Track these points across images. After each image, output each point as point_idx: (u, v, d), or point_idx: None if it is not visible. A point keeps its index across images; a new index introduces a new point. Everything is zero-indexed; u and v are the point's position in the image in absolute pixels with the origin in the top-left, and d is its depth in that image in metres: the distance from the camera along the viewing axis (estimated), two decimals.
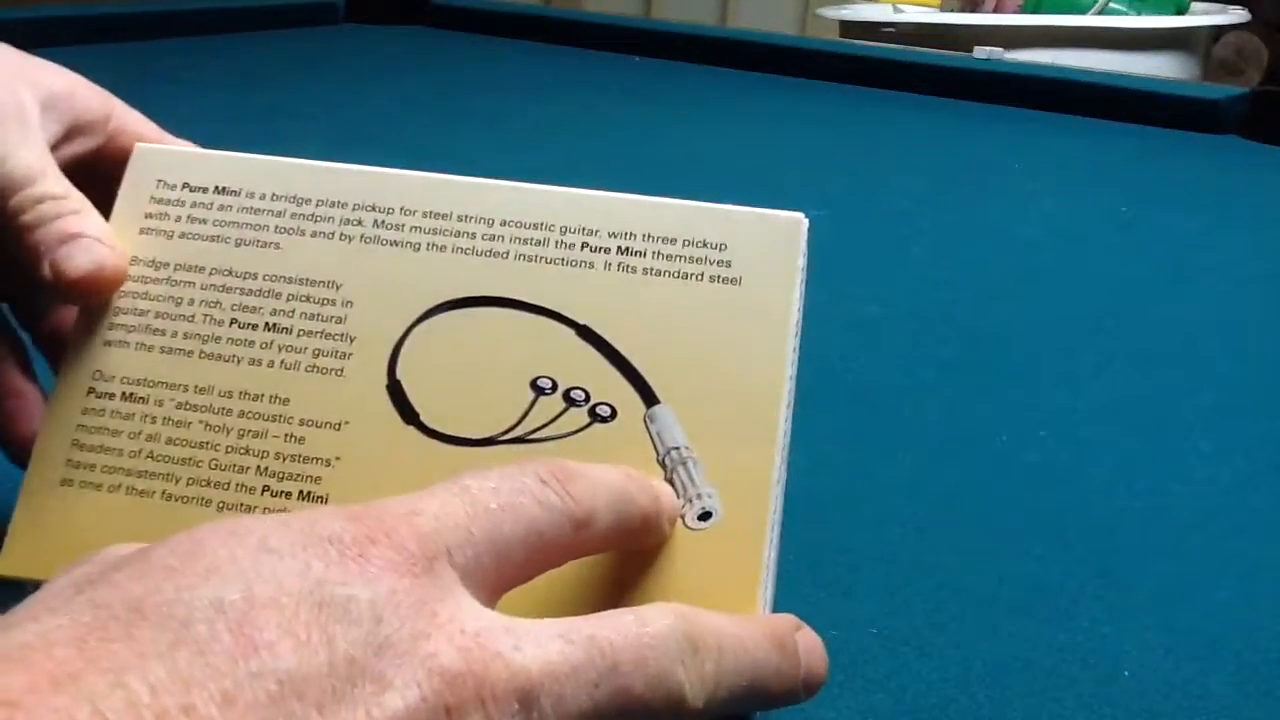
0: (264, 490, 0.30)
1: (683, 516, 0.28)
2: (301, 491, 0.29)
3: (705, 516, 0.28)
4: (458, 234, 0.31)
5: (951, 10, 2.56)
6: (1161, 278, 0.81)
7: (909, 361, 0.62)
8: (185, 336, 0.31)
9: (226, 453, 0.30)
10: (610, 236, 0.31)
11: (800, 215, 0.31)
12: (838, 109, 1.35)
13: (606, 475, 0.26)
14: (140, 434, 0.30)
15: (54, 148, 0.33)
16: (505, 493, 0.23)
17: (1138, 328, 0.70)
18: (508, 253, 0.31)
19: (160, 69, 1.29)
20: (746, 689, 0.24)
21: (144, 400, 0.31)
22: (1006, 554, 0.43)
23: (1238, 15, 2.41)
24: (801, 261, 0.31)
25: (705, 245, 0.31)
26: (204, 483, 0.30)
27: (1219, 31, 2.52)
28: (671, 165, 1.00)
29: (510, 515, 0.23)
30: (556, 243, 0.31)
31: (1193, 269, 0.83)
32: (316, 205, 0.32)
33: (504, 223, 0.31)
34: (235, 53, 1.42)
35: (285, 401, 0.30)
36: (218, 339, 0.31)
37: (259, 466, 0.30)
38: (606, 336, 0.30)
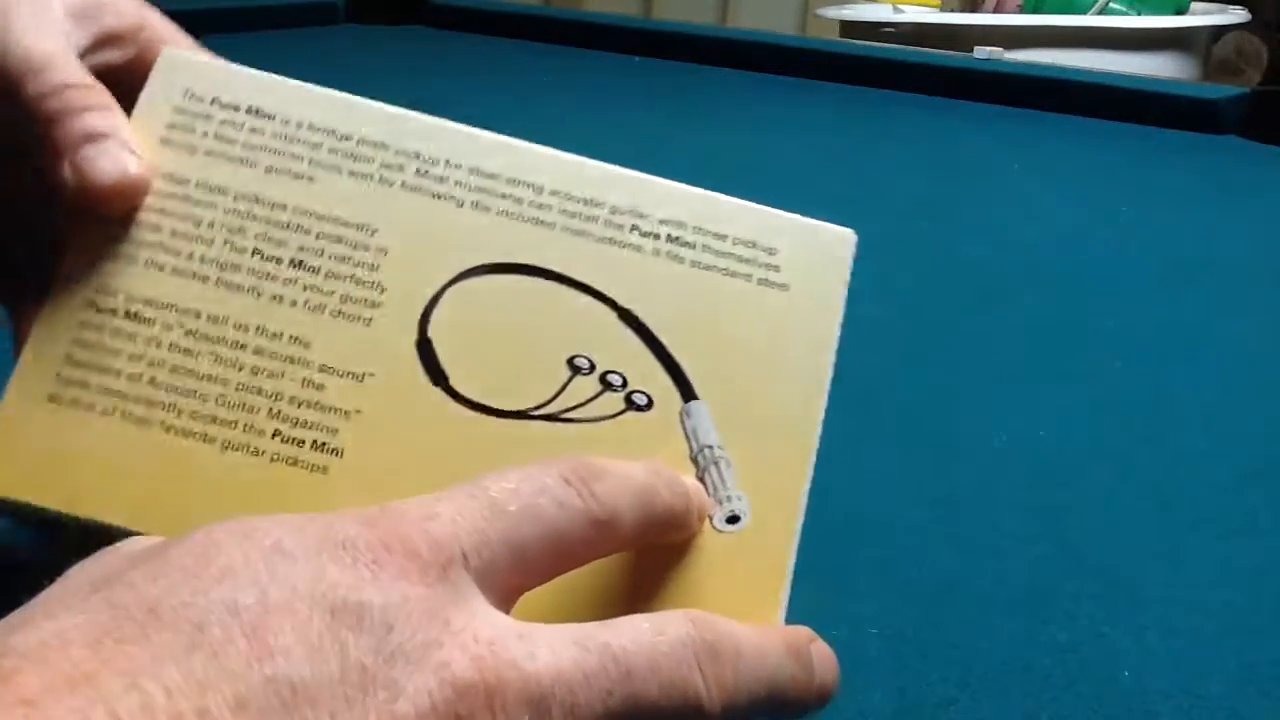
0: (274, 435, 0.28)
1: (710, 517, 0.28)
2: (316, 441, 0.28)
3: (734, 520, 0.28)
4: (504, 196, 0.30)
5: (951, 10, 2.56)
6: (1161, 278, 0.81)
7: (909, 361, 0.62)
8: (202, 260, 0.29)
9: (237, 390, 0.28)
10: (660, 223, 0.30)
11: (850, 231, 0.31)
12: (838, 109, 1.35)
13: (633, 472, 0.25)
14: (142, 357, 0.28)
15: (81, 56, 0.31)
16: (525, 495, 0.23)
17: (1137, 328, 0.70)
18: (554, 223, 0.30)
19: None
20: (764, 696, 0.24)
21: (149, 321, 0.28)
22: (1006, 554, 0.43)
23: (1238, 15, 2.41)
24: (848, 277, 0.31)
25: (755, 247, 0.30)
26: (209, 418, 0.28)
27: (1219, 31, 2.52)
28: (671, 165, 1.00)
29: (529, 518, 0.23)
30: (605, 221, 0.30)
31: (1192, 269, 0.83)
32: (358, 144, 0.30)
33: (553, 192, 0.30)
34: (235, 53, 1.42)
35: (306, 344, 0.28)
36: (237, 267, 0.29)
37: (271, 409, 0.28)
38: (648, 323, 0.29)
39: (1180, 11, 2.38)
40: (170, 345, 0.28)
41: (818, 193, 0.95)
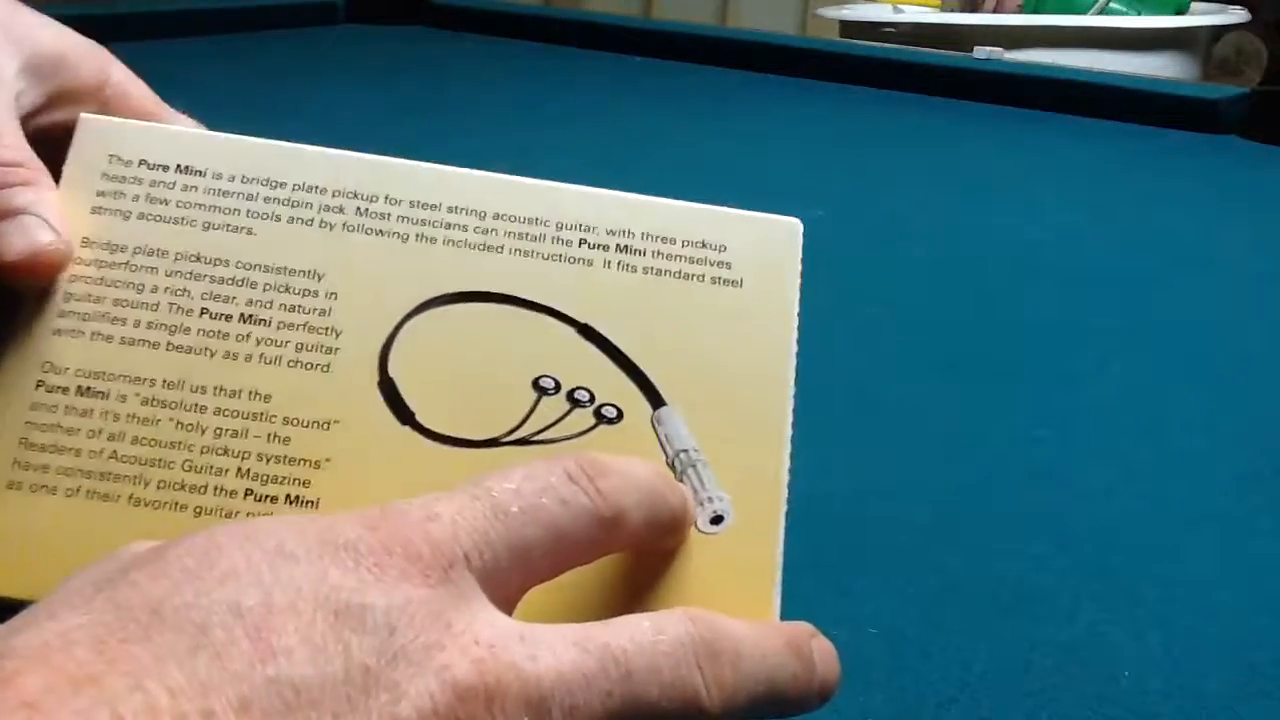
0: (247, 494, 0.27)
1: (694, 521, 0.28)
2: (289, 495, 0.28)
3: (717, 520, 0.28)
4: (448, 226, 0.30)
5: (951, 10, 2.56)
6: (1161, 278, 0.81)
7: (909, 361, 0.62)
8: (149, 326, 0.28)
9: (202, 453, 0.28)
10: (609, 234, 0.30)
11: (796, 220, 0.31)
12: (838, 109, 1.35)
13: (638, 470, 0.25)
14: (101, 432, 0.28)
15: (33, 114, 0.30)
16: (527, 494, 0.23)
17: (1137, 328, 0.70)
18: (502, 247, 0.30)
19: (160, 69, 1.28)
20: (765, 695, 0.23)
21: (103, 395, 0.28)
22: (1006, 554, 0.43)
23: (1238, 15, 2.41)
24: (798, 265, 0.31)
25: (705, 246, 0.30)
26: (177, 485, 0.27)
27: (1219, 31, 2.52)
28: (671, 165, 1.00)
29: (531, 517, 0.23)
30: (553, 238, 0.30)
31: (1192, 269, 0.83)
32: (292, 190, 0.30)
33: (497, 216, 0.30)
34: (235, 52, 1.42)
35: (267, 398, 0.28)
36: (186, 330, 0.28)
37: (240, 468, 0.28)
38: (608, 335, 0.29)
39: (1180, 11, 2.38)
40: (128, 416, 0.28)
41: (817, 193, 0.95)
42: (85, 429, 0.28)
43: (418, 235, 0.30)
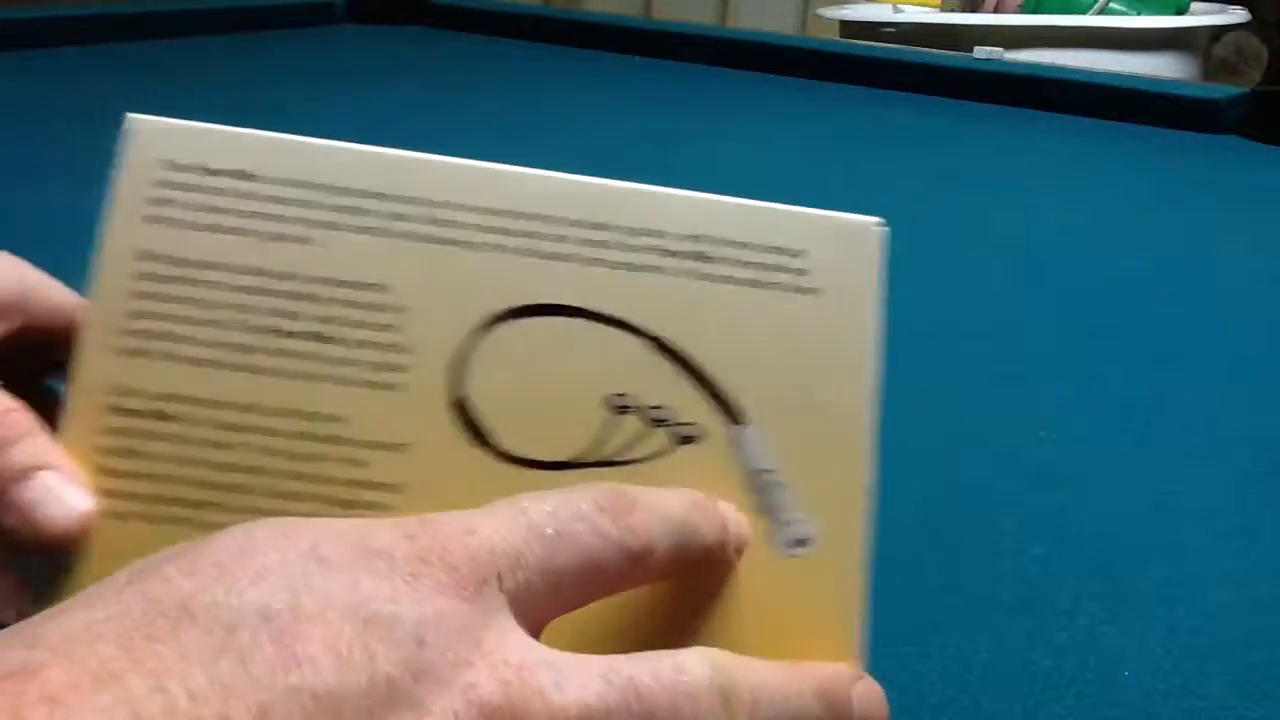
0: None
1: (777, 543, 0.27)
2: None
3: (800, 543, 0.27)
4: (516, 233, 0.28)
5: (951, 10, 2.56)
6: (1161, 278, 0.81)
7: (908, 361, 0.62)
8: (218, 346, 0.27)
9: (281, 479, 0.27)
10: (681, 240, 0.29)
11: (876, 220, 0.30)
12: (838, 109, 1.35)
13: (669, 504, 0.25)
14: (177, 457, 0.27)
15: None
16: (563, 519, 0.23)
17: (1137, 328, 0.70)
18: (572, 255, 0.28)
19: (160, 69, 1.29)
20: None
21: (177, 419, 0.27)
22: (1006, 554, 0.43)
23: (1238, 15, 2.41)
24: (879, 270, 0.29)
25: (781, 252, 0.29)
26: (257, 513, 0.26)
27: (1219, 31, 2.52)
28: (671, 165, 1.00)
29: (565, 543, 0.23)
30: (625, 246, 0.29)
31: (1193, 269, 0.83)
32: (354, 196, 0.28)
33: (566, 221, 0.29)
34: (235, 53, 1.42)
35: (341, 421, 0.27)
36: (256, 349, 0.27)
37: (318, 493, 0.27)
38: (684, 348, 0.28)
39: (1180, 11, 2.38)
40: (204, 441, 0.27)
41: (817, 193, 0.95)
42: (161, 455, 0.27)
43: (484, 243, 0.28)
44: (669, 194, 0.29)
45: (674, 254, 0.29)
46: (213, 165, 0.28)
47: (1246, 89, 1.32)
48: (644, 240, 0.29)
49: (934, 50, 1.57)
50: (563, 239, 0.28)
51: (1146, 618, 0.39)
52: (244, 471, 0.27)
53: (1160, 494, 0.48)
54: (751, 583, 0.27)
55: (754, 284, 0.29)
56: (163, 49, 1.39)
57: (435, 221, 0.28)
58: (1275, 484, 0.50)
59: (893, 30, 2.28)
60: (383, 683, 0.19)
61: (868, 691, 0.25)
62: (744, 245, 0.29)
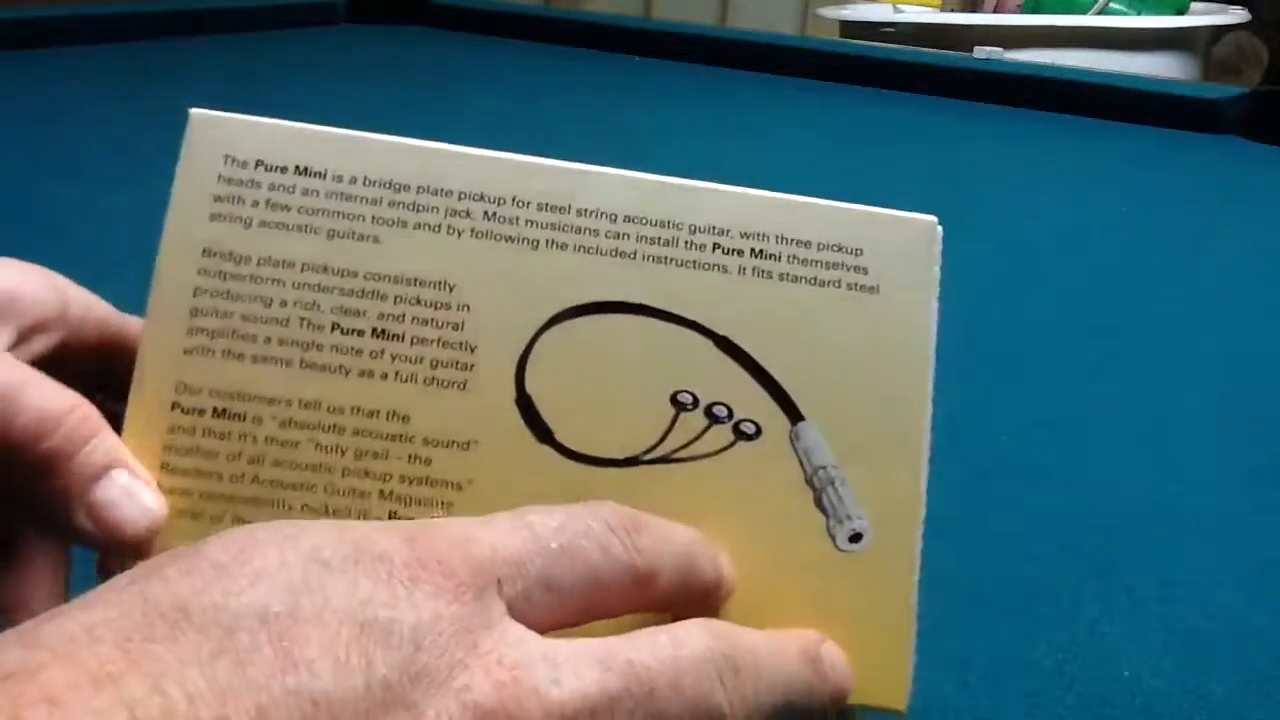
0: (390, 516, 0.27)
1: (833, 538, 0.27)
2: (434, 519, 0.26)
3: (856, 538, 0.28)
4: (578, 230, 0.29)
5: (951, 10, 2.56)
6: (1161, 277, 0.81)
7: None
8: (280, 343, 0.27)
9: (344, 475, 0.27)
10: (742, 238, 0.29)
11: (933, 218, 0.30)
12: (838, 109, 1.35)
13: (676, 534, 0.25)
14: (241, 455, 0.27)
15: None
16: (569, 534, 0.23)
17: (1138, 327, 0.70)
18: (635, 253, 0.29)
19: (160, 69, 1.29)
20: (782, 707, 0.23)
21: (240, 417, 0.27)
22: (1006, 554, 0.43)
23: (1238, 15, 2.42)
24: (937, 269, 0.30)
25: (840, 250, 0.29)
26: (320, 510, 0.27)
27: (1219, 31, 2.53)
28: (671, 165, 1.00)
29: (569, 557, 0.23)
30: (686, 243, 0.29)
31: (1193, 268, 0.83)
32: (417, 192, 0.28)
33: (628, 219, 0.29)
34: (235, 53, 1.42)
35: (405, 419, 0.27)
36: (319, 346, 0.27)
37: (382, 490, 0.27)
38: (744, 347, 0.28)
39: (1180, 11, 2.38)
40: (267, 439, 0.27)
41: (817, 193, 0.95)
42: (224, 452, 0.27)
43: (548, 241, 0.29)
44: (731, 190, 0.30)
45: (736, 252, 0.29)
46: (275, 161, 0.28)
47: (1246, 89, 1.32)
48: (707, 239, 0.29)
49: (934, 50, 1.57)
50: (625, 236, 0.29)
51: (1146, 618, 0.39)
52: (307, 469, 0.27)
53: (1160, 494, 0.48)
54: (808, 577, 0.27)
55: (814, 282, 0.29)
56: (163, 49, 1.39)
57: (498, 219, 0.29)
58: (1276, 483, 0.50)
59: (893, 30, 2.28)
60: (379, 687, 0.19)
61: (834, 654, 0.26)
62: (805, 244, 0.29)
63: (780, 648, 0.24)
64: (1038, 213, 0.96)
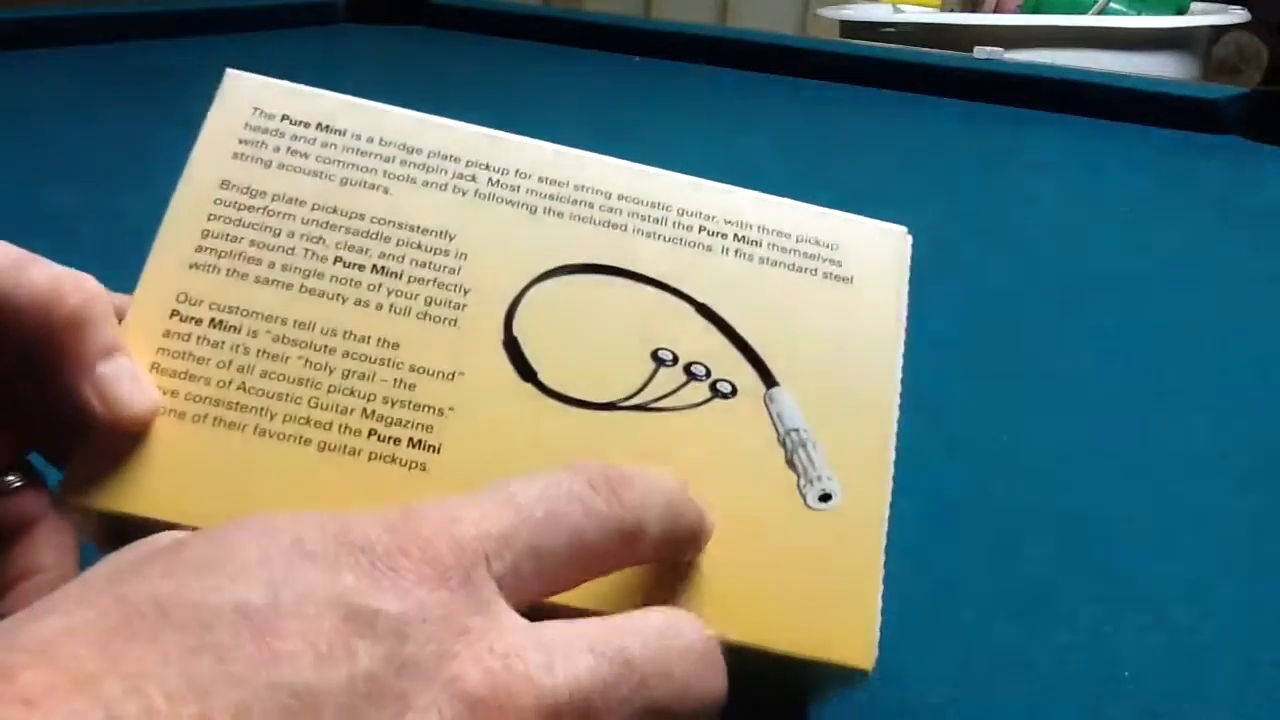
0: (370, 433, 0.28)
1: (804, 496, 0.29)
2: (412, 439, 0.28)
3: (826, 498, 0.29)
4: (575, 202, 0.31)
5: (951, 10, 2.56)
6: (1161, 278, 0.81)
7: (908, 361, 0.62)
8: (284, 269, 0.29)
9: (329, 392, 0.28)
10: (726, 224, 0.32)
11: (903, 228, 0.33)
12: (838, 109, 1.35)
13: (662, 483, 0.25)
14: (230, 364, 0.28)
15: None
16: (551, 500, 0.23)
17: (1138, 327, 0.70)
18: (626, 226, 0.31)
19: (160, 69, 1.29)
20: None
21: (235, 329, 0.28)
22: (1006, 554, 0.43)
23: (1238, 15, 2.41)
24: (906, 271, 0.33)
25: (818, 244, 0.32)
26: (303, 420, 0.28)
27: (1219, 31, 2.52)
28: (671, 166, 1.00)
29: (553, 524, 0.23)
30: (674, 223, 0.31)
31: (1193, 269, 0.83)
32: (428, 156, 0.31)
33: (621, 197, 0.31)
34: (235, 53, 1.42)
35: (395, 346, 0.29)
36: (320, 275, 0.29)
37: (365, 409, 0.28)
38: (726, 317, 0.30)
39: (1180, 11, 2.38)
40: (258, 351, 0.28)
41: (817, 193, 0.95)
42: (215, 359, 0.28)
43: (546, 209, 0.31)
44: (714, 185, 0.32)
45: (720, 235, 0.31)
46: (300, 117, 0.31)
47: (1246, 89, 1.32)
48: (693, 221, 0.32)
49: (934, 50, 1.57)
50: (617, 211, 0.31)
51: (1146, 618, 0.39)
52: (294, 382, 0.28)
53: (1160, 494, 0.48)
54: (777, 532, 0.28)
55: (793, 268, 0.31)
56: (163, 49, 1.39)
57: (501, 185, 0.31)
58: (1276, 484, 0.50)
59: (893, 30, 2.28)
60: (363, 679, 0.19)
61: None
62: (785, 235, 0.32)
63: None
64: (1037, 212, 0.96)
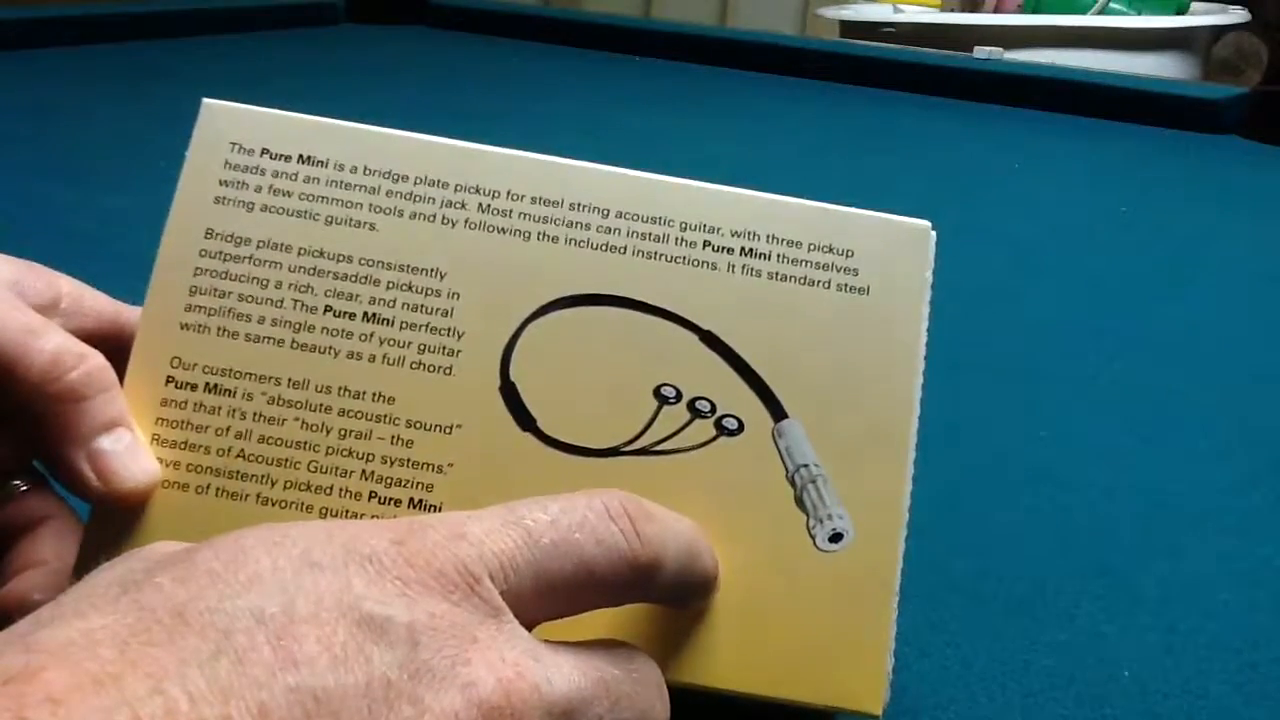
0: (370, 496, 0.27)
1: (813, 537, 0.28)
2: (413, 499, 0.27)
3: (837, 538, 0.28)
4: (570, 224, 0.29)
5: (951, 10, 2.56)
6: (1161, 277, 0.81)
7: None
8: (274, 324, 0.28)
9: (327, 454, 0.28)
10: (733, 236, 0.29)
11: (926, 223, 0.31)
12: (838, 109, 1.35)
13: (681, 525, 0.25)
14: (228, 430, 0.28)
15: None
16: (562, 527, 0.23)
17: (1138, 327, 0.70)
18: (625, 248, 0.29)
19: (160, 69, 1.29)
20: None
21: (230, 393, 0.28)
22: (1006, 554, 0.43)
23: (1238, 15, 2.41)
24: (929, 273, 0.30)
25: (831, 251, 0.30)
26: (303, 486, 0.27)
27: (1219, 31, 2.52)
28: (671, 166, 1.00)
29: (561, 552, 0.23)
30: (677, 240, 0.29)
31: (1193, 269, 0.83)
32: (415, 183, 0.29)
33: (620, 214, 0.29)
34: (235, 53, 1.42)
35: (390, 400, 0.28)
36: (311, 328, 0.28)
37: (364, 470, 0.27)
38: (731, 343, 0.29)
39: (1180, 11, 2.38)
40: (255, 415, 0.28)
41: (817, 194, 0.95)
42: (213, 427, 0.28)
43: (539, 234, 0.29)
44: (723, 190, 0.30)
45: (726, 250, 0.29)
46: (280, 150, 0.30)
47: (1246, 89, 1.32)
48: (698, 236, 0.29)
49: (934, 50, 1.57)
50: (615, 231, 0.29)
51: (1146, 618, 0.39)
52: (292, 446, 0.28)
53: (1160, 494, 0.48)
54: (786, 576, 0.27)
55: (804, 281, 0.29)
56: (163, 49, 1.39)
57: (492, 211, 0.29)
58: (1276, 484, 0.50)
59: (893, 30, 2.28)
60: (379, 684, 0.19)
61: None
62: (796, 244, 0.30)
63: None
64: (1038, 213, 0.96)
